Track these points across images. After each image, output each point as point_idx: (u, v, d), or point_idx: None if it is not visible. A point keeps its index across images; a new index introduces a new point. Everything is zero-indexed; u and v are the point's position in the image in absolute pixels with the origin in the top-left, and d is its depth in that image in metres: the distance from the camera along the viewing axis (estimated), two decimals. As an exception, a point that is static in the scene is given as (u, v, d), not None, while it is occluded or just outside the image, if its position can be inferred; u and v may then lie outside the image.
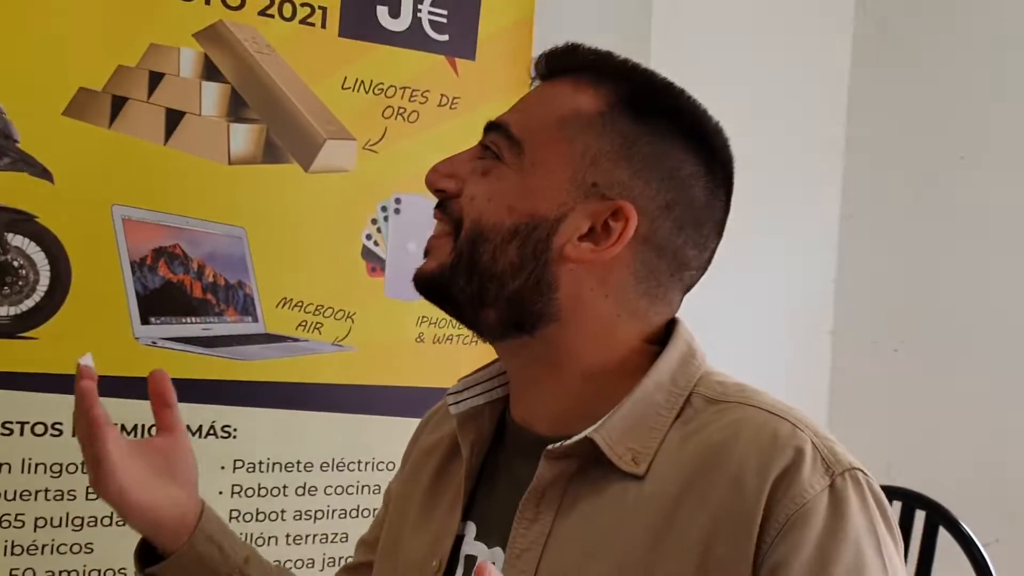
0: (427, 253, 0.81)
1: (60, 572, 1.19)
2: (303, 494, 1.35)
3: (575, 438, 0.73)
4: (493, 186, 0.77)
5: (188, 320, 1.27)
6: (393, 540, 0.89)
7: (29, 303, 1.19)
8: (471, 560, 0.80)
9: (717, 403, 0.75)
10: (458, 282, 0.77)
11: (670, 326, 0.80)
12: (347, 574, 1.00)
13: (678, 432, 0.74)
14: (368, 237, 1.39)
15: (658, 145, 0.77)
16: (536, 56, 0.84)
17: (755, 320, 1.99)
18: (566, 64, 0.81)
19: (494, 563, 0.76)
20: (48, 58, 1.18)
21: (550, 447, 0.74)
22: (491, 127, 0.80)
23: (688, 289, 0.81)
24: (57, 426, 1.19)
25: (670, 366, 0.77)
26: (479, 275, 0.77)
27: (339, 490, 1.38)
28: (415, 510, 0.87)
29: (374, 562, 0.92)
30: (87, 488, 1.20)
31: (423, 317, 1.42)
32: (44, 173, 1.18)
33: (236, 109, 1.29)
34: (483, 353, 1.45)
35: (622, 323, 0.77)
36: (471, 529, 0.82)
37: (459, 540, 0.81)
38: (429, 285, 0.80)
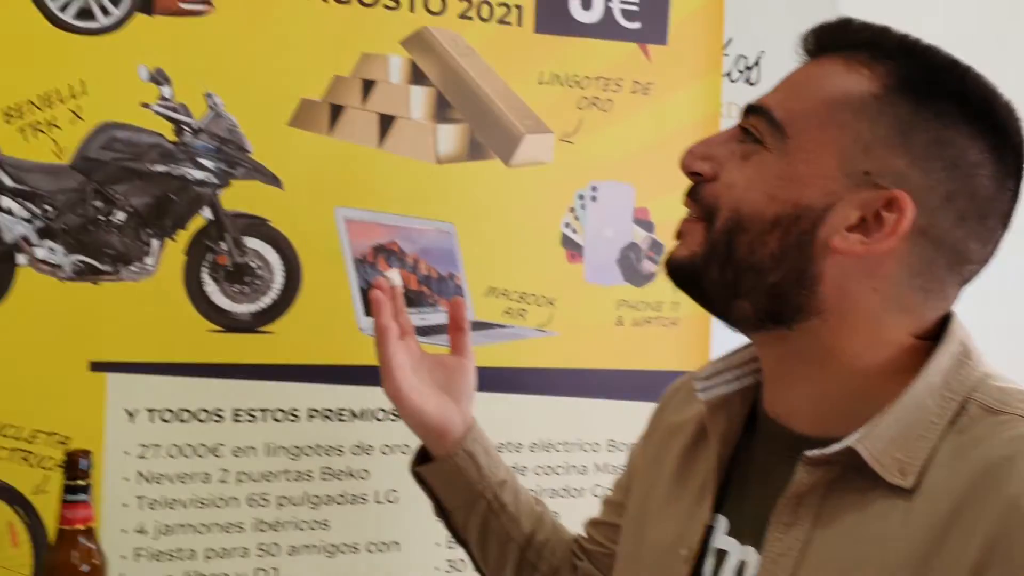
0: (678, 236, 0.79)
1: (300, 546, 1.30)
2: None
3: (837, 447, 0.70)
4: (753, 173, 0.73)
5: (407, 311, 1.35)
6: (639, 515, 0.91)
7: (266, 300, 1.30)
8: (722, 554, 0.79)
9: (997, 413, 0.69)
10: (711, 272, 0.75)
11: (944, 321, 0.75)
12: (594, 528, 1.06)
13: (951, 443, 0.69)
14: (567, 225, 1.44)
15: (940, 131, 0.71)
16: (804, 35, 0.78)
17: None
18: (837, 40, 0.76)
19: (744, 562, 0.76)
20: (273, 73, 1.28)
21: (809, 453, 0.71)
22: (751, 110, 0.76)
23: (967, 283, 0.76)
24: (295, 412, 1.30)
25: (942, 367, 0.72)
26: (735, 266, 0.74)
27: (547, 470, 1.43)
28: (661, 491, 0.88)
29: (620, 528, 0.95)
30: (321, 468, 1.31)
31: (622, 301, 1.46)
32: (274, 180, 1.28)
33: (442, 111, 1.36)
34: (683, 335, 1.48)
35: (891, 318, 0.73)
36: (722, 523, 0.80)
37: (708, 531, 0.80)
38: (680, 273, 0.78)
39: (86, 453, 1.01)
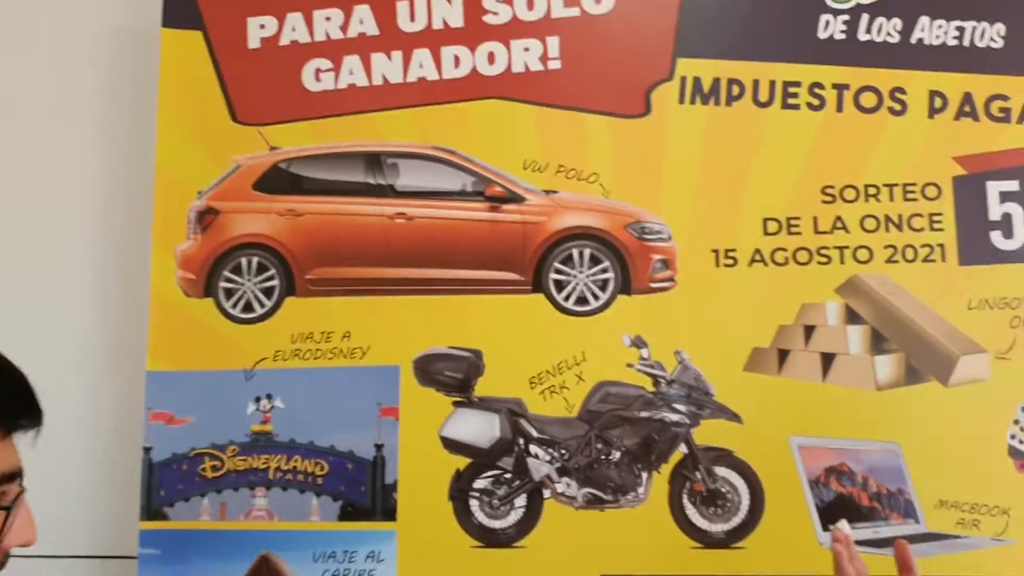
0: None
1: None
2: None
3: None
4: None
5: (860, 525, 1.50)
6: None
7: (736, 520, 1.53)
8: None
9: None
10: None
11: None
12: None
13: None
14: (1012, 436, 1.51)
15: None
16: None
17: None
18: None
19: None
20: (727, 329, 1.55)
21: None
22: None
23: None
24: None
25: None
26: None
27: None
28: None
29: None
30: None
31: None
32: (736, 417, 1.53)
33: (877, 344, 1.53)
34: None
35: None
36: None
37: None
38: None
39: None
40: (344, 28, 1.68)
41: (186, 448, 1.63)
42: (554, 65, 1.63)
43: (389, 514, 1.58)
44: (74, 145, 1.90)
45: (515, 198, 1.62)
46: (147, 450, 1.64)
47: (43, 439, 1.78)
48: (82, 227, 1.88)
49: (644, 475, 1.54)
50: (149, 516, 1.63)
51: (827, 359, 1.54)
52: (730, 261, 1.56)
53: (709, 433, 1.54)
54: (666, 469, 1.54)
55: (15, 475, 0.85)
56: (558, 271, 1.60)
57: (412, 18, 1.66)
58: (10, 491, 0.85)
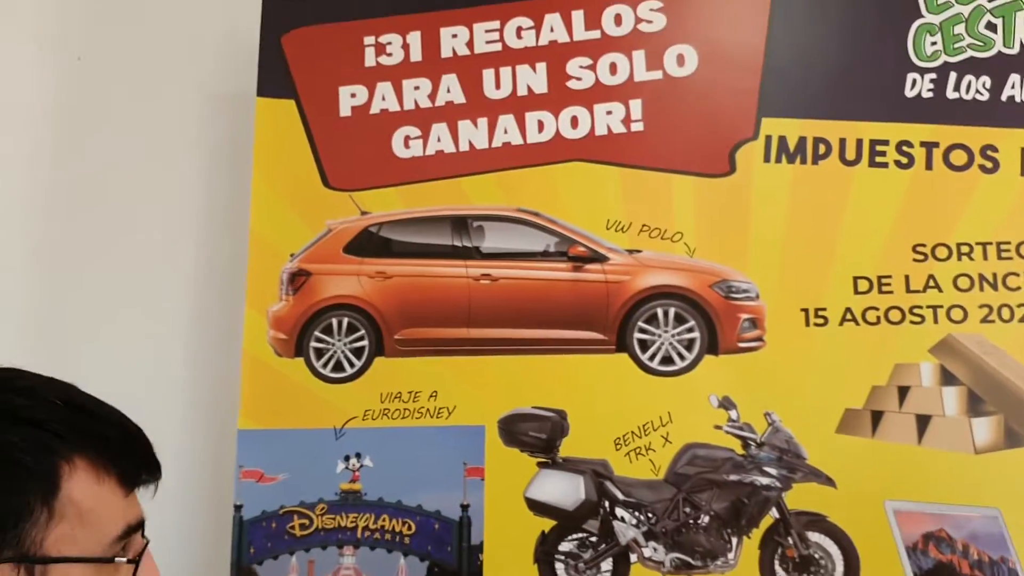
0: None
1: None
2: None
3: None
4: None
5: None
6: None
7: (830, 587, 1.49)
8: None
9: None
10: None
11: None
12: None
13: None
14: (1122, 503, 1.45)
15: None
16: None
17: None
18: None
19: None
20: (819, 390, 1.53)
21: None
22: None
23: None
24: None
25: None
26: None
27: None
28: None
29: None
30: None
31: None
32: (829, 481, 1.50)
33: (974, 406, 1.49)
34: None
35: None
36: None
37: None
38: None
39: None
40: (432, 97, 1.72)
41: (276, 506, 1.66)
42: (637, 127, 1.65)
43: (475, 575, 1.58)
44: (172, 208, 1.98)
45: (598, 258, 1.63)
46: (238, 508, 1.67)
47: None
48: (178, 288, 1.95)
49: (734, 540, 1.51)
50: (239, 573, 1.65)
51: (922, 421, 1.50)
52: (820, 320, 1.54)
53: (801, 497, 1.51)
54: (757, 534, 1.51)
55: (139, 526, 0.88)
56: (642, 330, 1.60)
57: (497, 86, 1.70)
58: (136, 542, 0.88)
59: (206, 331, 1.92)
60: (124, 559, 0.85)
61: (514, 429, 1.61)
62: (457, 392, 1.64)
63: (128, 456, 0.86)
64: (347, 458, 1.66)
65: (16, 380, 0.84)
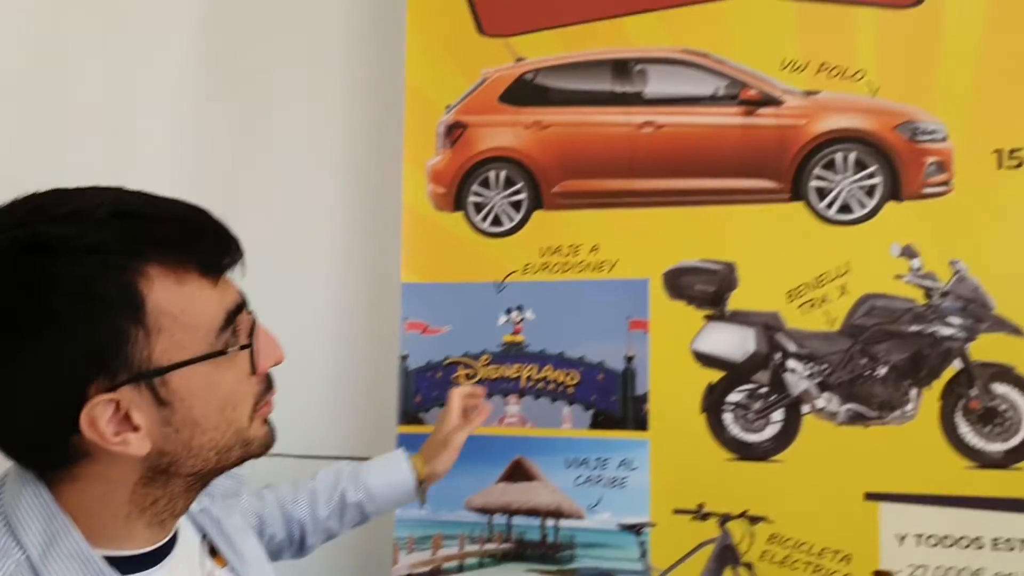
0: None
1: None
2: None
3: None
4: None
5: None
6: None
7: (1016, 439, 1.43)
8: None
9: None
10: None
11: None
12: None
13: None
14: None
15: None
16: None
17: None
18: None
19: None
20: (1011, 237, 1.42)
21: None
22: None
23: None
24: (1053, 545, 1.41)
25: None
26: None
27: None
28: None
29: None
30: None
31: None
32: (1016, 331, 1.42)
33: None
34: None
35: None
36: None
37: None
38: None
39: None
40: (593, -69, 1.62)
41: (440, 357, 1.69)
42: (812, -44, 1.52)
43: (640, 424, 1.58)
44: (327, 64, 1.96)
45: (772, 101, 1.54)
46: (403, 358, 1.71)
47: (307, 345, 1.87)
48: (335, 146, 1.94)
49: (913, 391, 1.47)
50: (406, 421, 1.70)
51: None
52: (1014, 162, 1.43)
53: (987, 348, 1.44)
54: (938, 385, 1.46)
55: (241, 307, 0.86)
56: (820, 177, 1.52)
57: (663, -85, 1.59)
58: (243, 322, 0.86)
59: (365, 185, 1.93)
60: (236, 347, 0.84)
61: (680, 282, 1.57)
62: (619, 246, 1.61)
63: (198, 247, 0.82)
64: (508, 311, 1.66)
65: (56, 208, 0.78)
